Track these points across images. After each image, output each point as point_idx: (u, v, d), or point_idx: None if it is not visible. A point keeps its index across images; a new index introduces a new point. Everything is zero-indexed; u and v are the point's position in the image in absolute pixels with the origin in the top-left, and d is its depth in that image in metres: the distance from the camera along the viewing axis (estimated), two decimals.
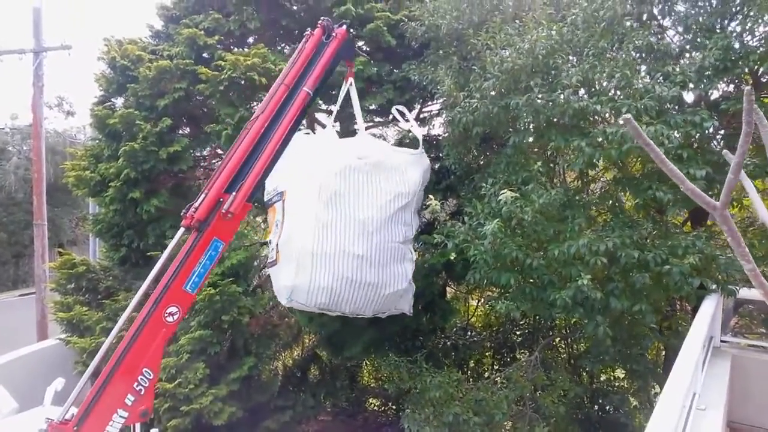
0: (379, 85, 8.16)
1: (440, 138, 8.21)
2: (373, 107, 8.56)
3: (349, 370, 9.58)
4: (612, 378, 9.51)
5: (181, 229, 4.89)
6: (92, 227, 8.68)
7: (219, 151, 9.11)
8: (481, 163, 7.43)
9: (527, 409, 6.51)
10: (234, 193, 4.89)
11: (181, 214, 4.91)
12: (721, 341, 6.12)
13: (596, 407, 8.54)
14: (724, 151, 2.53)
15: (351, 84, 6.52)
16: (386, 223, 6.16)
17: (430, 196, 6.05)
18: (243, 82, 7.50)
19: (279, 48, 8.78)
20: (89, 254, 13.75)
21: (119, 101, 8.68)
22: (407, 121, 6.75)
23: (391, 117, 8.58)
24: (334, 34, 5.82)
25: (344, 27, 5.89)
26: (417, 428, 6.06)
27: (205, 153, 9.23)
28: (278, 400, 7.71)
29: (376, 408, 11.28)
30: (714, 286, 5.39)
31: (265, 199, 6.45)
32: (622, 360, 6.17)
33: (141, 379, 4.52)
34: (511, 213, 5.22)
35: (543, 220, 5.25)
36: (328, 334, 7.78)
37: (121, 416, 4.47)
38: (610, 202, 6.06)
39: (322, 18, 5.83)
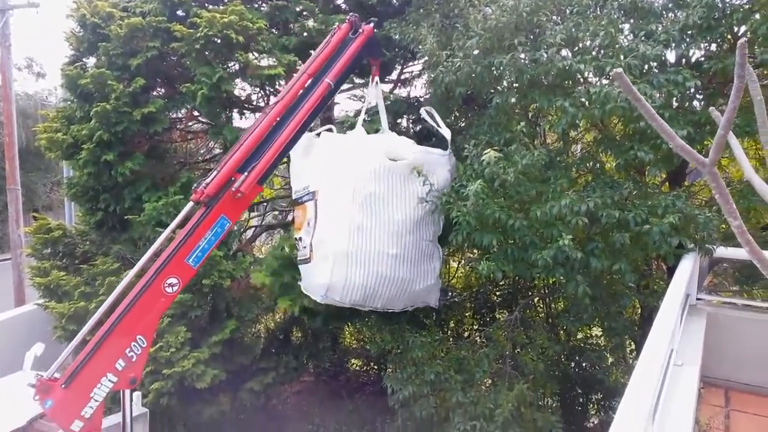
0: None
1: (422, 99, 8.11)
2: None
3: (331, 332, 9.63)
4: (588, 336, 9.72)
5: (190, 204, 4.99)
6: (67, 191, 8.48)
7: (195, 113, 8.91)
8: (463, 124, 7.37)
9: (507, 367, 6.61)
10: (246, 173, 4.98)
11: (192, 188, 5.00)
12: (697, 299, 6.24)
13: (573, 364, 8.74)
14: (711, 108, 2.50)
15: (377, 83, 6.55)
16: (418, 223, 6.28)
17: (354, 20, 5.85)
18: (219, 41, 7.27)
19: (256, 5, 8.52)
20: (65, 219, 13.50)
21: (91, 61, 8.41)
22: (437, 123, 6.68)
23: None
24: (361, 30, 5.95)
25: (371, 25, 6.01)
26: (399, 387, 6.13)
27: (180, 114, 9.03)
28: (261, 363, 7.74)
29: (358, 368, 11.43)
30: (691, 245, 5.47)
31: (294, 196, 6.56)
32: (600, 318, 6.28)
33: (134, 345, 4.54)
34: (494, 174, 5.20)
35: (525, 180, 5.25)
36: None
37: (110, 380, 4.49)
38: (591, 163, 6.07)
39: (351, 14, 6.01)
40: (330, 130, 6.80)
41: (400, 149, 6.34)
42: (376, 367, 11.00)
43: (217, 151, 10.08)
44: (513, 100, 5.86)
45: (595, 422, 9.70)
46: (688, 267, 5.19)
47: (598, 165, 6.03)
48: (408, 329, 6.80)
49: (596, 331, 9.57)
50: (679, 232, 5.25)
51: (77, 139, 7.59)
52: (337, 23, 5.96)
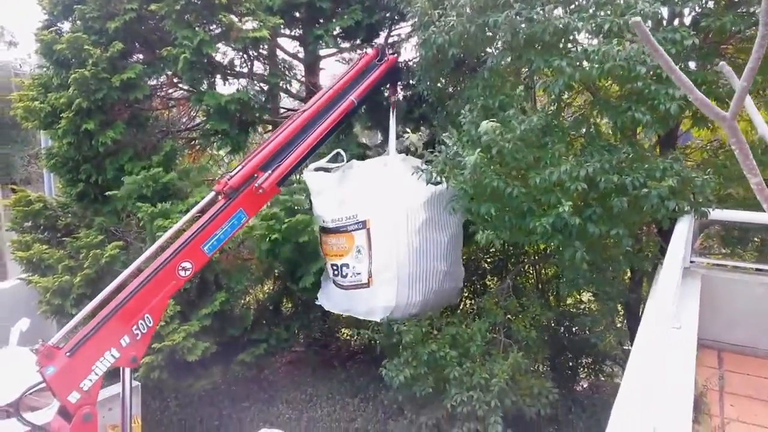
0: (346, 5, 7.73)
1: (411, 63, 7.90)
2: (336, 32, 8.16)
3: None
4: (579, 301, 9.76)
5: (212, 193, 5.39)
6: (46, 162, 8.21)
7: (176, 79, 8.63)
8: (455, 89, 7.19)
9: (500, 336, 6.59)
10: (270, 172, 5.40)
11: (216, 179, 5.53)
12: (691, 261, 6.23)
13: (562, 329, 8.78)
14: (722, 63, 2.37)
15: (394, 110, 6.98)
16: (457, 238, 7.03)
17: (407, 129, 5.88)
18: (200, 2, 6.99)
19: None
20: (45, 192, 13.16)
21: (66, 26, 8.05)
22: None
23: (359, 41, 8.23)
24: (386, 58, 6.60)
25: (396, 55, 6.70)
26: (395, 373, 6.07)
27: (161, 81, 8.73)
28: (252, 334, 7.65)
29: (348, 336, 11.41)
30: (687, 208, 5.42)
31: (332, 225, 6.88)
32: (595, 283, 6.24)
33: (141, 323, 4.65)
34: (491, 142, 5.06)
35: (523, 147, 5.11)
36: (291, 268, 7.68)
37: (113, 355, 4.53)
38: (586, 126, 5.95)
39: (378, 43, 6.93)
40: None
41: None
42: (366, 335, 10.97)
43: (200, 119, 9.82)
44: (508, 61, 5.68)
45: (585, 385, 9.82)
46: (684, 230, 5.14)
47: (592, 128, 5.91)
48: None
49: (585, 296, 9.61)
50: (676, 195, 5.18)
51: (55, 108, 7.31)
52: (365, 49, 6.81)
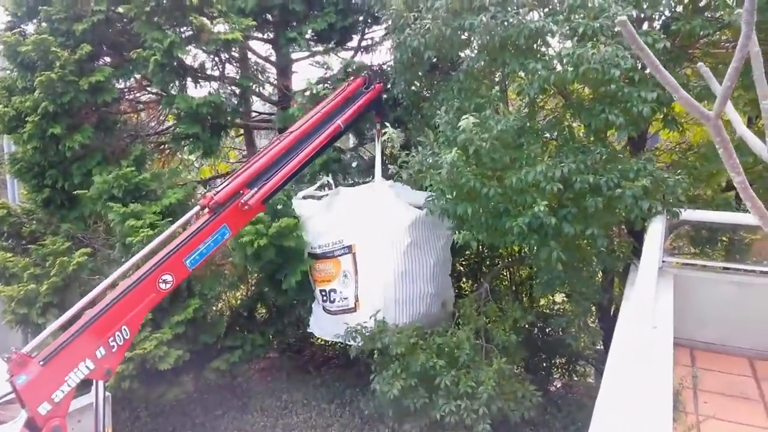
0: (320, 8, 7.69)
1: (385, 66, 7.89)
2: (309, 35, 8.11)
3: (295, 308, 9.44)
4: (553, 302, 9.85)
5: (197, 207, 5.41)
6: (10, 167, 7.94)
7: (145, 82, 8.46)
8: (430, 91, 7.21)
9: (482, 341, 6.58)
10: (256, 189, 5.46)
11: (203, 194, 5.56)
12: (663, 261, 6.33)
13: (536, 330, 8.85)
14: (699, 64, 2.41)
15: (379, 137, 7.08)
16: (445, 261, 7.21)
17: (387, 125, 5.86)
18: (171, 4, 6.87)
19: None
20: (8, 198, 12.77)
21: (30, 27, 7.83)
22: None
23: (332, 44, 8.20)
24: (373, 86, 6.84)
25: (381, 84, 6.89)
26: (387, 386, 5.98)
27: (129, 84, 8.56)
28: (226, 341, 7.52)
29: (322, 342, 11.31)
30: (659, 208, 5.50)
31: (320, 251, 7.12)
32: (570, 284, 6.29)
33: (118, 335, 4.55)
34: (468, 141, 5.06)
35: (500, 147, 5.13)
36: (271, 272, 7.57)
37: (87, 366, 4.40)
38: (560, 128, 6.01)
39: (365, 72, 6.99)
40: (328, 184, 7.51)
41: (414, 195, 7.06)
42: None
43: (170, 123, 9.64)
44: (483, 63, 5.70)
45: (558, 386, 9.91)
46: (658, 230, 5.22)
47: (566, 131, 5.97)
48: None
49: (559, 297, 9.71)
50: (649, 195, 5.26)
51: (20, 112, 7.10)
52: (353, 77, 6.99)
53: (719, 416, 4.56)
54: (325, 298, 7.19)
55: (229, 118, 8.16)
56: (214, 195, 5.26)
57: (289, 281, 6.99)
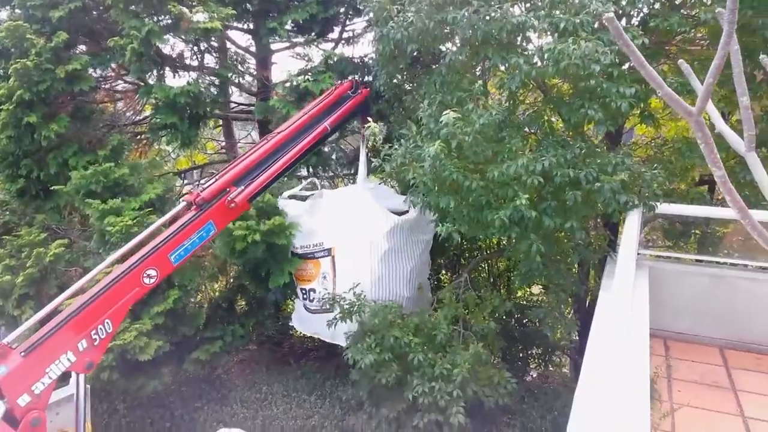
0: None
1: (366, 58, 7.89)
2: (289, 25, 8.06)
3: (275, 300, 9.43)
4: (529, 294, 10.00)
5: (182, 203, 5.48)
6: None
7: (122, 72, 8.34)
8: (411, 85, 7.23)
9: (460, 328, 6.66)
10: (243, 187, 5.57)
11: (187, 190, 5.63)
12: (638, 254, 6.47)
13: (513, 321, 8.98)
14: (680, 61, 2.47)
15: (364, 141, 7.15)
16: (423, 266, 7.36)
17: (369, 119, 5.88)
18: None
19: None
20: None
21: (3, 14, 7.66)
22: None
23: (313, 35, 8.16)
24: (359, 90, 6.95)
25: (368, 89, 6.99)
26: (360, 356, 6.05)
27: (106, 73, 8.42)
28: (206, 332, 7.48)
29: (301, 334, 11.31)
30: (636, 202, 5.62)
31: (301, 251, 7.26)
32: (548, 276, 6.40)
33: (100, 328, 4.58)
34: (450, 134, 5.11)
35: (482, 140, 5.19)
36: (253, 265, 7.55)
37: (68, 359, 4.40)
38: (540, 122, 6.09)
39: (352, 76, 7.13)
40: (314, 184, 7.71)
41: (395, 199, 7.31)
42: None
43: (147, 113, 9.52)
44: (464, 57, 5.74)
45: (534, 375, 10.09)
46: (634, 223, 5.34)
47: (546, 125, 6.05)
48: None
49: (536, 289, 9.86)
50: (626, 189, 5.37)
51: None
52: (340, 81, 7.14)
53: (692, 404, 4.70)
54: (305, 296, 7.38)
55: (207, 109, 8.08)
56: (201, 192, 5.35)
57: (276, 281, 7.00)
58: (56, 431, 5.37)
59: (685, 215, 6.77)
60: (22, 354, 4.19)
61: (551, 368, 10.05)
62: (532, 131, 6.62)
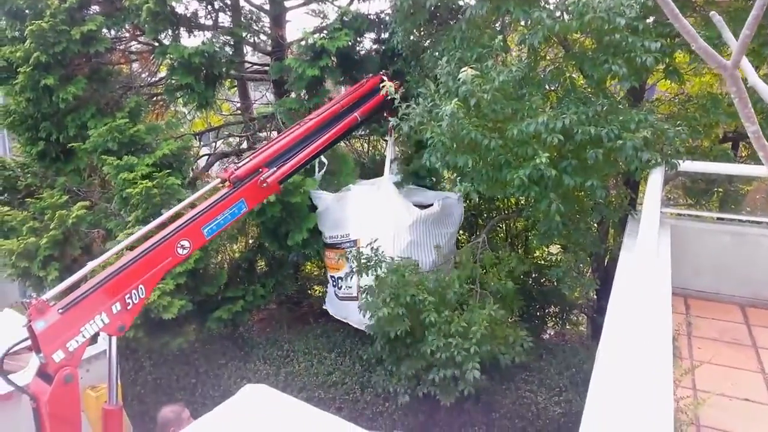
0: None
1: (383, 14, 7.73)
2: None
3: (294, 261, 9.53)
4: (547, 254, 9.99)
5: (217, 180, 5.78)
6: (2, 120, 7.83)
7: (137, 32, 8.27)
8: (430, 41, 7.10)
9: (477, 287, 6.70)
10: (275, 168, 5.83)
11: (223, 168, 5.92)
12: (660, 212, 6.41)
13: (530, 281, 9.01)
14: (712, 13, 2.39)
15: (392, 135, 7.52)
16: (447, 255, 7.45)
17: (384, 78, 5.81)
18: None
19: None
20: None
21: None
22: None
23: None
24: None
25: (398, 84, 6.78)
26: (375, 310, 6.14)
27: (121, 34, 8.37)
28: (227, 292, 7.61)
29: (320, 294, 11.47)
30: (659, 160, 5.53)
31: (330, 241, 7.65)
32: (567, 235, 6.37)
33: (134, 293, 4.71)
34: (469, 92, 5.03)
35: (501, 98, 5.11)
36: (272, 226, 7.61)
37: (102, 320, 4.52)
38: (562, 79, 5.97)
39: (384, 70, 7.24)
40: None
41: (424, 195, 7.80)
42: None
43: (162, 74, 9.47)
44: (485, 12, 5.60)
45: (551, 333, 10.18)
46: (658, 181, 5.27)
47: (567, 81, 5.93)
48: None
49: (553, 249, 9.84)
50: (649, 146, 5.28)
51: (11, 62, 6.95)
52: (371, 75, 7.40)
53: (713, 361, 4.71)
54: (334, 284, 7.73)
55: (223, 69, 8.04)
56: (235, 170, 5.58)
57: (295, 238, 7.07)
58: (87, 387, 5.52)
59: (708, 173, 6.67)
60: (60, 311, 4.32)
61: (568, 327, 10.12)
62: (552, 88, 6.51)
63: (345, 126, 6.63)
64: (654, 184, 5.16)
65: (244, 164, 5.70)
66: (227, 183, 5.60)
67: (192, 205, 5.57)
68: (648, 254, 3.41)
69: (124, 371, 7.66)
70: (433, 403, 6.70)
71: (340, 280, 7.54)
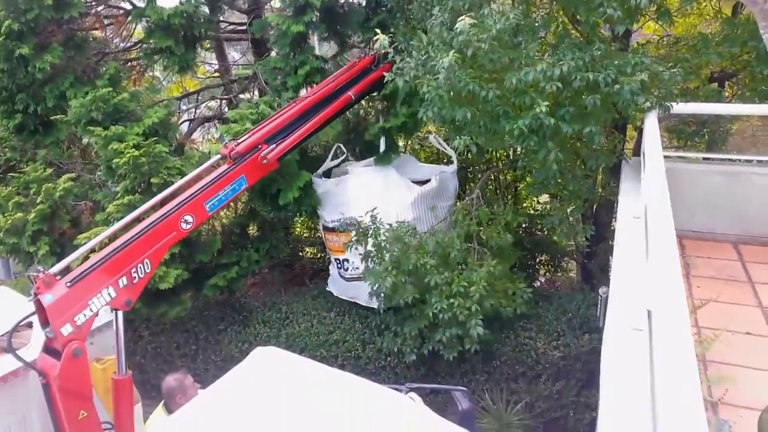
0: None
1: None
2: None
3: (284, 223, 9.48)
4: (537, 203, 10.07)
5: (218, 156, 5.90)
6: None
7: None
8: None
9: (474, 244, 6.74)
10: (275, 145, 5.97)
11: (223, 144, 6.03)
12: None
13: (521, 231, 9.08)
14: None
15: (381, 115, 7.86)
16: (447, 228, 7.42)
17: (377, 30, 5.66)
18: None
19: None
20: None
21: None
22: (443, 146, 8.26)
23: None
24: (381, 65, 7.00)
25: (389, 64, 6.66)
26: (379, 280, 6.16)
27: None
28: (221, 258, 7.55)
29: (310, 256, 11.48)
30: (653, 102, 5.54)
31: (331, 225, 7.75)
32: (564, 184, 6.40)
33: (140, 267, 4.74)
34: (465, 43, 4.94)
35: (498, 48, 5.02)
36: (261, 186, 7.50)
37: (109, 294, 4.51)
38: (554, 25, 5.89)
39: (374, 51, 6.94)
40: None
41: (419, 170, 8.08)
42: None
43: (136, 39, 9.15)
44: None
45: (542, 281, 10.35)
46: (654, 124, 5.29)
47: (560, 27, 5.85)
48: None
49: (542, 198, 9.91)
50: (645, 90, 5.27)
51: None
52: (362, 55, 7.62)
53: (714, 299, 4.83)
54: (339, 266, 7.82)
55: (202, 30, 7.78)
56: (236, 146, 5.70)
57: (287, 197, 6.98)
58: (92, 360, 5.49)
59: (699, 114, 6.71)
60: (68, 284, 4.30)
61: (558, 273, 10.29)
62: (542, 35, 6.42)
63: (339, 104, 6.76)
64: (651, 127, 5.18)
65: (244, 140, 5.80)
66: (228, 159, 5.72)
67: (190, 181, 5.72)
68: (663, 196, 3.43)
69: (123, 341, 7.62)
70: (436, 357, 6.82)
71: (345, 262, 7.66)
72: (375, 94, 7.70)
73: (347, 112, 7.69)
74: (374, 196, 7.24)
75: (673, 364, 2.10)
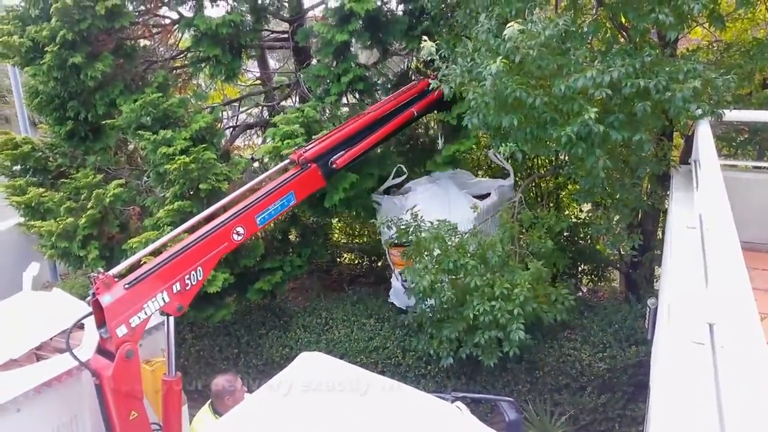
0: None
1: None
2: None
3: (323, 229, 9.55)
4: (579, 211, 9.92)
5: (286, 161, 6.22)
6: (29, 100, 7.80)
7: (159, 3, 8.14)
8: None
9: (517, 247, 6.68)
10: (343, 152, 6.33)
11: (293, 150, 6.30)
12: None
13: (562, 239, 8.95)
14: None
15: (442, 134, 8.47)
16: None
17: (424, 38, 5.67)
18: None
19: None
20: (20, 132, 12.64)
21: None
22: (500, 161, 8.35)
23: None
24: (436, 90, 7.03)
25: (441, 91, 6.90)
26: (417, 278, 6.15)
27: (142, 8, 8.23)
28: (265, 263, 7.63)
29: (349, 262, 11.54)
30: (706, 110, 5.40)
31: (397, 241, 7.66)
32: (612, 192, 6.30)
33: (193, 274, 4.89)
34: (513, 50, 4.90)
35: (547, 54, 4.98)
36: None
37: (163, 298, 4.63)
38: (602, 31, 5.81)
39: (429, 77, 7.24)
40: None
41: (476, 184, 8.33)
42: (367, 260, 11.12)
43: (183, 48, 9.35)
44: None
45: (585, 290, 10.17)
46: (707, 132, 5.16)
47: (608, 33, 5.77)
48: None
49: (585, 206, 9.76)
50: (698, 97, 5.15)
51: (37, 42, 6.86)
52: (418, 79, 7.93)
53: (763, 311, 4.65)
54: (404, 280, 7.80)
55: (248, 39, 7.92)
56: (305, 152, 6.03)
57: (332, 199, 7.02)
58: (142, 361, 5.60)
59: (753, 121, 6.53)
60: (126, 287, 4.42)
61: (601, 283, 10.11)
62: (588, 42, 6.33)
63: (403, 119, 7.08)
64: (705, 135, 5.05)
65: (312, 147, 6.14)
66: (296, 164, 6.06)
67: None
68: (723, 205, 3.34)
69: None
70: (476, 364, 6.76)
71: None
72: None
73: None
74: (437, 211, 7.32)
75: (747, 380, 2.03)
